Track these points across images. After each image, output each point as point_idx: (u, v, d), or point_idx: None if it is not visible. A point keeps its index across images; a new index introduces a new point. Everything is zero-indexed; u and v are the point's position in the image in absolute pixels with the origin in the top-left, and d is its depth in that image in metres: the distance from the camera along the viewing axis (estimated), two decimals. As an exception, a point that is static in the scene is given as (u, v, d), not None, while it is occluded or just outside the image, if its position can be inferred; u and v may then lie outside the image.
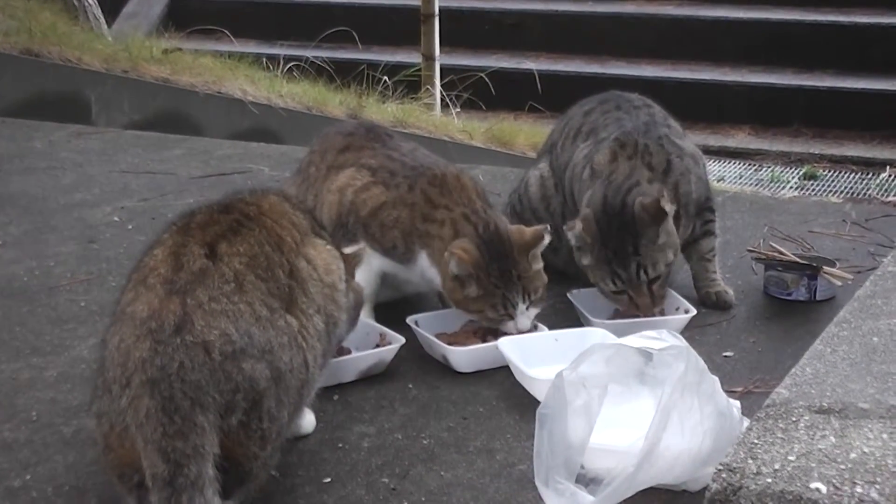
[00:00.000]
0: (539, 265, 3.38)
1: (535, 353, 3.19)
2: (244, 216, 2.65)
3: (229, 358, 2.38)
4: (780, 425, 2.30)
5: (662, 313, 3.51)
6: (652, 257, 3.45)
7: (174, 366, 2.34)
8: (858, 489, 2.06)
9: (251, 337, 2.42)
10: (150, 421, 2.31)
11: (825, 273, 3.68)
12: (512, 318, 3.32)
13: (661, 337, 2.67)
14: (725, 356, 3.37)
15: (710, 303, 3.71)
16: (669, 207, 3.44)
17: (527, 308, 3.33)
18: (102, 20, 8.48)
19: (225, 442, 2.37)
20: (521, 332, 3.33)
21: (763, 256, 3.84)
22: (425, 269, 3.41)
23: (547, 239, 3.38)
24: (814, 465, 2.15)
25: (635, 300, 3.48)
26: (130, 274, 2.59)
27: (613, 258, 3.45)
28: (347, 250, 2.99)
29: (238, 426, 2.39)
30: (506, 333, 3.31)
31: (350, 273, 2.99)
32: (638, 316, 3.47)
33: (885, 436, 2.23)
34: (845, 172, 8.21)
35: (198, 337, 2.37)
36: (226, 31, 8.98)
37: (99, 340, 2.62)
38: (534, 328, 3.37)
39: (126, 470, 2.39)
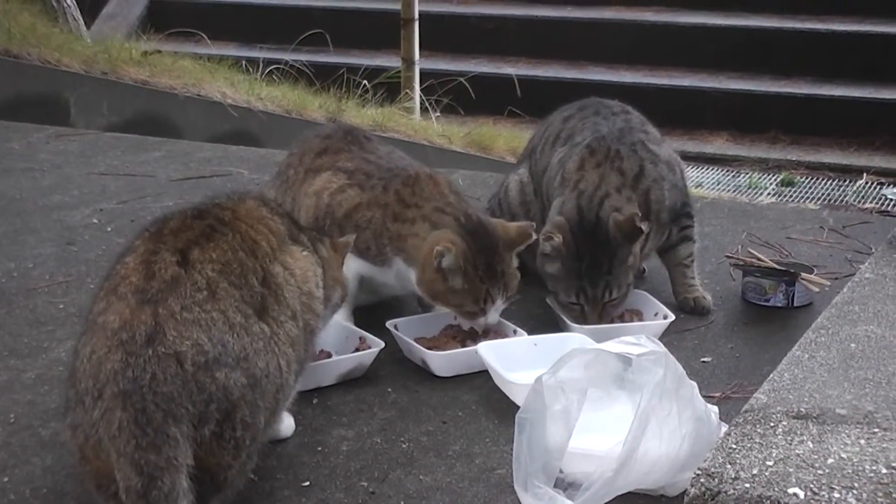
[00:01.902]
0: (516, 263, 3.39)
1: (514, 357, 3.20)
2: (218, 221, 2.63)
3: (202, 368, 2.36)
4: (759, 430, 2.31)
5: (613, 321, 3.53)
6: (619, 279, 3.47)
7: (146, 377, 2.32)
8: (836, 494, 2.08)
9: (225, 345, 2.41)
10: (123, 433, 2.30)
11: (803, 279, 3.69)
12: (486, 313, 3.33)
13: (640, 342, 2.68)
14: (703, 361, 3.38)
15: (688, 308, 3.72)
16: (645, 226, 3.45)
17: (500, 304, 3.34)
18: (81, 22, 8.46)
19: (198, 452, 2.36)
20: (489, 326, 3.34)
21: (741, 262, 3.85)
22: (401, 270, 3.41)
23: (533, 237, 3.39)
24: (791, 470, 2.16)
25: (587, 314, 3.50)
26: (102, 282, 2.56)
27: (585, 275, 3.46)
28: (339, 241, 3.03)
29: (210, 437, 2.38)
30: (478, 331, 3.34)
31: (339, 262, 3.00)
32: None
33: (862, 441, 2.24)
34: (822, 179, 8.25)
35: (170, 348, 2.35)
36: (204, 34, 8.95)
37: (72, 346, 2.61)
38: (513, 333, 3.38)
39: (103, 481, 2.38)
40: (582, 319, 3.50)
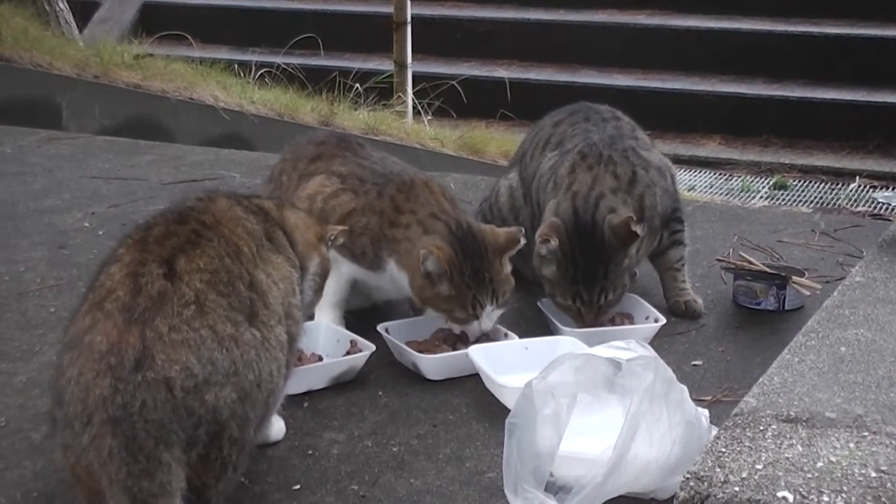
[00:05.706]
0: (509, 268, 3.39)
1: (505, 361, 3.20)
2: (202, 225, 2.59)
3: (191, 393, 2.33)
4: (748, 434, 2.31)
5: (602, 324, 3.53)
6: (615, 282, 3.47)
7: (136, 404, 2.28)
8: (825, 498, 2.08)
9: (214, 364, 2.38)
10: (114, 460, 2.27)
11: (794, 283, 3.70)
12: (478, 318, 3.33)
13: (630, 347, 2.69)
14: (694, 365, 3.39)
15: (679, 312, 3.72)
16: (640, 230, 3.45)
17: (492, 310, 3.34)
18: (74, 25, 8.46)
19: (186, 473, 2.34)
20: (483, 332, 3.35)
21: (732, 266, 3.86)
22: (394, 274, 3.41)
23: (522, 242, 3.39)
24: (781, 473, 2.16)
25: (584, 315, 3.50)
26: (87, 293, 2.51)
27: (581, 279, 3.45)
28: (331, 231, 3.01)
29: (197, 458, 2.36)
30: (469, 336, 3.34)
31: (306, 222, 2.97)
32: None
33: (851, 445, 2.24)
34: (815, 182, 8.26)
35: (159, 373, 2.31)
36: (196, 38, 8.95)
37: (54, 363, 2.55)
38: (504, 336, 3.38)
39: (95, 499, 2.35)
40: (579, 320, 3.50)
